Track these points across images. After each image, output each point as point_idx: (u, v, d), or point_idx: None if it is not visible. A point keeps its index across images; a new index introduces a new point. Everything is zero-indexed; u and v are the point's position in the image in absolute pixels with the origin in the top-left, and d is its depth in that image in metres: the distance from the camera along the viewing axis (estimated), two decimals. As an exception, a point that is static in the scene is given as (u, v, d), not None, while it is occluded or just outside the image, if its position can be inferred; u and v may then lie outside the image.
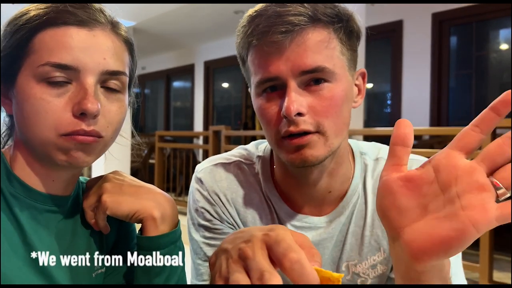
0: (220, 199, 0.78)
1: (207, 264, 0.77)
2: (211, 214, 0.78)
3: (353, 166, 0.79)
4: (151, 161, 6.06)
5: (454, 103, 4.25)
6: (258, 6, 0.68)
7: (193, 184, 0.81)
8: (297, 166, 0.68)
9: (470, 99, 4.15)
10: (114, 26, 0.60)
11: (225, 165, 0.81)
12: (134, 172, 6.38)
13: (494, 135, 2.51)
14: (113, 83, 0.58)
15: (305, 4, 0.64)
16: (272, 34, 0.63)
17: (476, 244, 2.53)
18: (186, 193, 4.92)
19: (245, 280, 0.40)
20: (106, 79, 0.58)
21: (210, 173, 0.80)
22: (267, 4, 0.66)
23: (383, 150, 0.81)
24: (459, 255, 0.74)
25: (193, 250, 0.81)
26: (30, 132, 0.56)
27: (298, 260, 0.38)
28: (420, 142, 3.99)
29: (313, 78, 0.65)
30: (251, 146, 0.85)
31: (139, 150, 0.77)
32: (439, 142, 3.89)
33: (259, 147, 0.84)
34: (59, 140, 0.55)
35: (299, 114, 0.64)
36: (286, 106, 0.63)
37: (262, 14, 0.65)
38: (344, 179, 0.76)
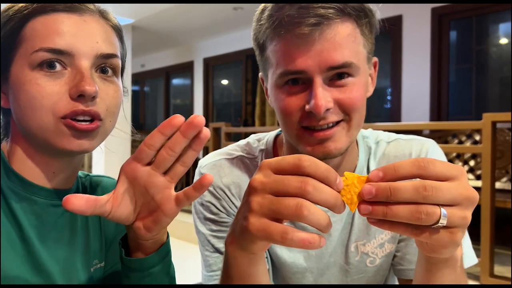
0: (225, 193, 0.79)
1: (215, 255, 0.79)
2: (217, 208, 0.79)
3: (358, 150, 0.81)
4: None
5: (454, 97, 4.24)
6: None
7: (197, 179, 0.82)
8: (318, 159, 0.69)
9: (470, 93, 4.14)
10: (102, 13, 0.61)
11: (228, 160, 0.82)
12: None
13: (495, 129, 2.50)
14: (107, 66, 0.59)
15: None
16: (303, 25, 0.62)
17: (477, 238, 2.53)
18: (187, 190, 4.91)
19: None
20: (100, 62, 0.58)
21: (214, 168, 0.81)
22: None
23: (381, 134, 0.85)
24: (467, 236, 0.78)
25: (200, 243, 0.82)
26: (28, 120, 0.55)
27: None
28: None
29: (338, 73, 0.65)
30: (251, 140, 0.86)
31: (135, 142, 0.77)
32: (439, 136, 3.89)
33: (261, 141, 0.85)
34: (58, 124, 0.55)
35: (328, 109, 0.65)
36: (315, 104, 0.63)
37: (291, 4, 0.64)
38: (351, 164, 0.79)
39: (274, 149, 0.83)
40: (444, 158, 0.82)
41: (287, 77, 0.66)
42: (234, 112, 6.67)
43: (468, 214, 0.43)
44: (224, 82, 6.94)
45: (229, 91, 6.85)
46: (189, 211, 4.69)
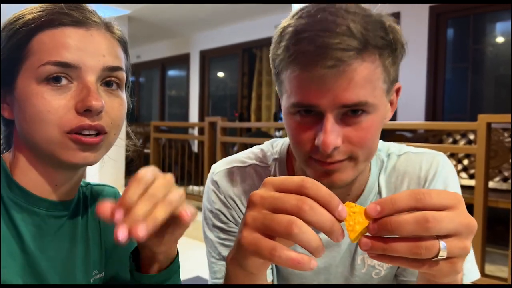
0: (236, 203, 0.79)
1: (221, 262, 0.79)
2: (227, 217, 0.79)
3: (370, 164, 0.80)
4: (146, 150, 6.04)
5: (449, 96, 4.25)
6: (299, 14, 0.63)
7: (209, 186, 0.82)
8: None
9: (465, 92, 4.16)
10: (108, 26, 0.61)
11: (241, 169, 0.81)
12: (129, 162, 6.35)
13: (490, 131, 2.52)
14: (112, 79, 0.59)
15: (355, 32, 0.59)
16: (319, 66, 0.59)
17: (468, 237, 2.54)
18: (181, 183, 4.92)
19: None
20: (106, 75, 0.58)
21: (226, 176, 0.81)
22: (311, 14, 0.62)
23: (392, 146, 0.84)
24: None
25: (207, 248, 0.82)
26: (34, 133, 0.56)
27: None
28: (416, 135, 3.99)
29: (351, 111, 0.63)
30: (266, 147, 0.85)
31: (132, 141, 0.76)
32: (434, 135, 3.90)
33: (275, 149, 0.84)
34: (64, 139, 0.55)
35: (335, 148, 0.62)
36: (323, 141, 0.61)
37: (307, 35, 0.60)
38: (362, 181, 0.78)
39: (288, 159, 0.81)
40: (453, 172, 0.81)
41: (299, 108, 0.64)
42: (230, 105, 6.65)
43: (468, 244, 0.43)
44: (220, 74, 6.91)
45: (225, 84, 6.83)
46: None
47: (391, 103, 0.73)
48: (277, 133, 5.17)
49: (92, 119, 0.55)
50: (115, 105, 0.59)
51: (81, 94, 0.55)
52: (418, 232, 0.41)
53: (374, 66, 0.62)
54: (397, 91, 0.73)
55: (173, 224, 0.52)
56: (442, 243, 0.41)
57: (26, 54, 0.56)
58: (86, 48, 0.56)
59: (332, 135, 0.61)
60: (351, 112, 0.63)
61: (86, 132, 0.55)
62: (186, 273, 3.03)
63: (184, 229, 0.53)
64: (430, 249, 0.41)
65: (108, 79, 0.59)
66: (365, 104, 0.62)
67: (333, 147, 0.61)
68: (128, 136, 0.76)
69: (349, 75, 0.60)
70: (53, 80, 0.54)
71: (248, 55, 6.18)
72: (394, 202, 0.42)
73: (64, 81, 0.55)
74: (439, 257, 0.42)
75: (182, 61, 7.26)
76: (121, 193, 0.77)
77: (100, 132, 0.57)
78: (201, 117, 6.78)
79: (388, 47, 0.63)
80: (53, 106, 0.54)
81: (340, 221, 0.43)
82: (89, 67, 0.56)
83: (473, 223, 0.43)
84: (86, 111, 0.54)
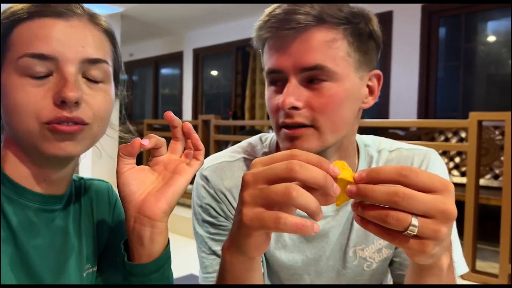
0: (226, 197, 0.79)
1: (211, 257, 0.79)
2: (216, 212, 0.79)
3: (358, 158, 0.81)
4: (139, 149, 5.98)
5: (441, 94, 4.28)
6: (279, 4, 0.72)
7: (198, 181, 0.82)
8: None
9: (457, 90, 4.19)
10: (92, 16, 0.60)
11: (230, 163, 0.82)
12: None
13: (481, 128, 2.54)
14: (95, 72, 0.58)
15: (315, 5, 0.68)
16: (280, 30, 0.68)
17: (459, 234, 2.57)
18: (174, 182, 4.89)
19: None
20: (87, 67, 0.57)
21: (216, 171, 0.81)
22: (287, 4, 0.70)
23: (383, 142, 0.85)
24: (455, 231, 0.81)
25: (197, 244, 0.82)
26: (15, 125, 0.56)
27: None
28: (408, 133, 4.02)
29: (312, 77, 0.68)
30: (255, 140, 0.86)
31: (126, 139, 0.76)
32: (426, 133, 3.93)
33: (264, 143, 0.85)
34: (42, 129, 0.54)
35: (294, 108, 0.68)
36: (282, 100, 0.68)
37: (277, 12, 0.69)
38: None
39: (277, 150, 0.82)
40: (444, 169, 0.82)
41: (270, 76, 0.72)
42: (224, 104, 6.64)
43: (441, 228, 0.42)
44: (214, 73, 6.90)
45: (219, 82, 6.81)
46: (180, 204, 4.60)
47: (370, 89, 0.75)
48: (270, 131, 5.17)
49: (69, 111, 0.54)
50: (98, 97, 0.58)
51: (59, 85, 0.54)
52: (386, 203, 0.42)
53: (333, 35, 0.68)
54: (378, 79, 0.76)
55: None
56: (415, 220, 0.42)
57: (7, 47, 0.56)
58: (63, 39, 0.55)
59: (291, 95, 0.68)
60: (309, 81, 0.69)
61: (65, 124, 0.55)
62: (179, 271, 3.03)
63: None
64: (401, 220, 0.42)
65: (90, 71, 0.58)
66: (322, 69, 0.67)
67: (289, 105, 0.67)
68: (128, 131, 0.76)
69: (307, 38, 0.68)
70: (32, 71, 0.54)
71: (242, 53, 6.17)
72: (379, 172, 0.43)
73: (42, 73, 0.54)
74: (409, 232, 0.42)
75: (175, 59, 7.23)
76: (114, 188, 0.77)
77: (78, 123, 0.56)
78: (195, 115, 6.76)
79: (345, 19, 0.69)
80: (31, 97, 0.54)
81: (334, 178, 0.44)
82: (67, 58, 0.55)
83: (450, 211, 0.42)
84: (63, 102, 0.54)
